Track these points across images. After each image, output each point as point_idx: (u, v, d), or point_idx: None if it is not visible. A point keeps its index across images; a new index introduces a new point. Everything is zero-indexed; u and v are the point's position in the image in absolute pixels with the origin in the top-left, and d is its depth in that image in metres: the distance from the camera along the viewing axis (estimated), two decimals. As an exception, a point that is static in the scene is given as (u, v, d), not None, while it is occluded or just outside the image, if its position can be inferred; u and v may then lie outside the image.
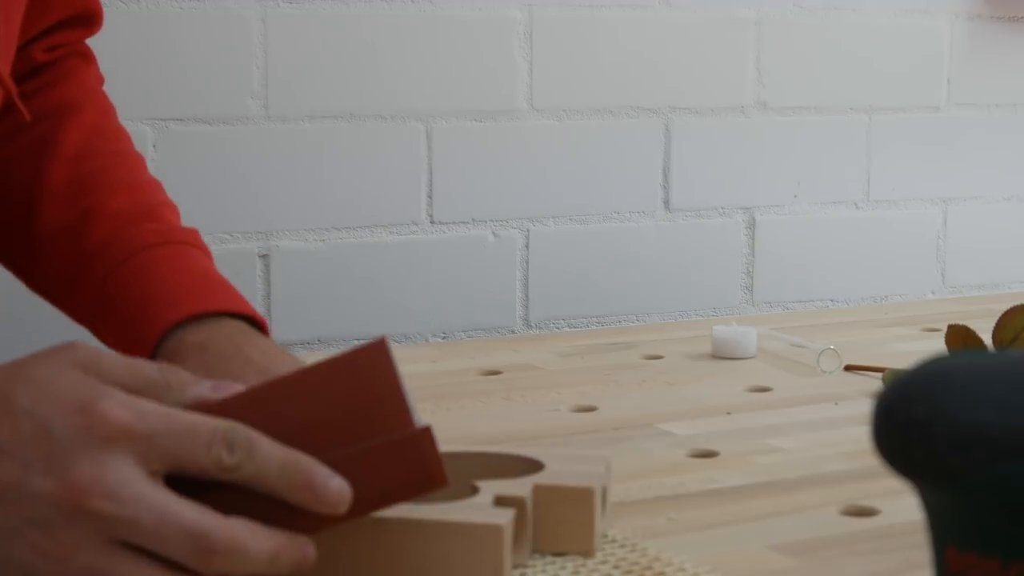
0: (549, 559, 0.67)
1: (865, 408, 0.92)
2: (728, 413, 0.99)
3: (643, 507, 0.76)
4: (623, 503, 0.76)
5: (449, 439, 0.78)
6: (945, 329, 1.00)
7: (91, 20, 0.94)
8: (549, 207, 1.44)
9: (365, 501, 0.59)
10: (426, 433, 0.59)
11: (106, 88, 1.00)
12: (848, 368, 1.13)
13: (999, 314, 0.99)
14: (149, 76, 1.26)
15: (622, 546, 0.69)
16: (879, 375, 1.09)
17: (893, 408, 0.47)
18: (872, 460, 0.52)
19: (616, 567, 0.66)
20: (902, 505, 0.74)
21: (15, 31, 0.84)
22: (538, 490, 0.67)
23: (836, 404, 1.02)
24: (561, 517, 0.67)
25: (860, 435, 0.89)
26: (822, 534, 0.73)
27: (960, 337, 0.99)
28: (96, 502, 0.54)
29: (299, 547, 0.57)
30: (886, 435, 0.48)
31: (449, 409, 0.99)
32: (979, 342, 0.99)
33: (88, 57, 0.96)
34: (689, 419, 0.97)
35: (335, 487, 0.57)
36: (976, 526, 0.46)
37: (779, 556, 0.69)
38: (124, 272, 0.82)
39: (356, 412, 0.59)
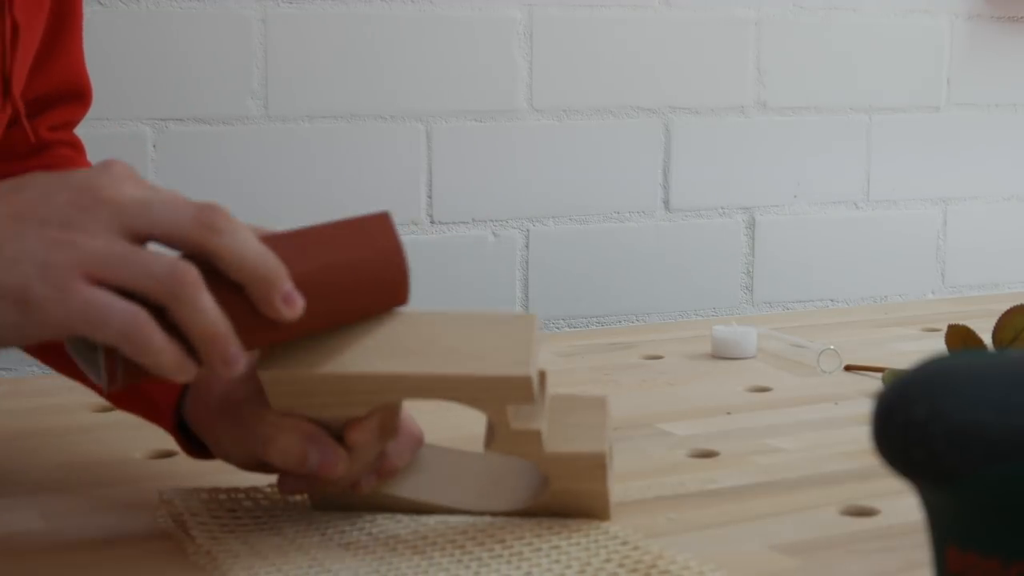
0: (554, 557, 0.67)
1: (865, 408, 0.92)
2: (728, 413, 0.99)
3: (643, 507, 0.76)
4: (623, 503, 0.76)
5: (449, 439, 0.79)
6: (945, 329, 1.00)
7: (84, 98, 0.99)
8: (549, 207, 1.44)
9: (333, 278, 0.64)
10: (384, 216, 0.66)
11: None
12: (848, 368, 1.13)
13: (999, 314, 0.99)
14: (149, 76, 1.26)
15: (624, 543, 0.69)
16: (879, 375, 1.10)
17: (893, 408, 0.47)
18: (872, 460, 0.52)
19: (621, 565, 0.66)
20: (902, 505, 0.74)
21: (29, 59, 0.87)
22: (554, 399, 0.73)
23: (836, 404, 1.02)
24: (575, 420, 0.72)
25: (860, 435, 0.89)
26: (822, 534, 0.73)
27: (960, 337, 0.99)
28: (109, 194, 0.60)
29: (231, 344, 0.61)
30: (886, 435, 0.48)
31: (449, 408, 0.99)
32: (979, 342, 0.99)
33: (79, 148, 1.00)
34: (689, 419, 0.97)
35: (296, 298, 0.62)
36: (976, 526, 0.46)
37: (779, 556, 0.69)
38: None
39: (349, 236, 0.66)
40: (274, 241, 0.63)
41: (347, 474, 0.70)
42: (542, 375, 0.71)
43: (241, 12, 1.29)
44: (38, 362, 0.92)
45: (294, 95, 1.32)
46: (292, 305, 0.62)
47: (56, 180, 0.61)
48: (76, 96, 0.97)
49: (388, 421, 0.70)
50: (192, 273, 0.59)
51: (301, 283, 0.62)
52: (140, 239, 0.60)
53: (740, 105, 1.51)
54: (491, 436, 0.70)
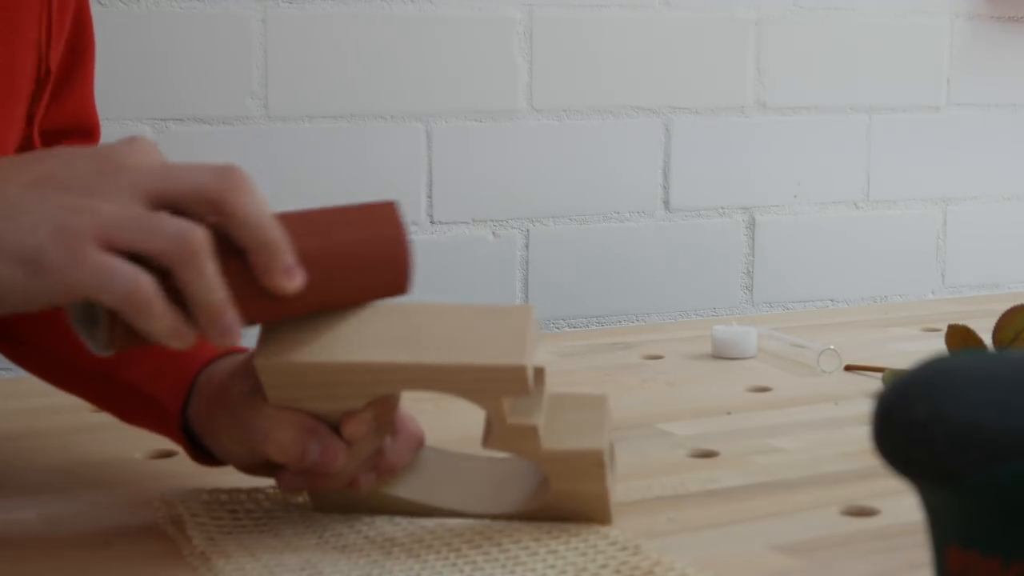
0: (550, 562, 0.67)
1: (865, 408, 0.92)
2: (728, 413, 0.99)
3: (643, 507, 0.76)
4: (623, 503, 0.76)
5: (449, 439, 0.78)
6: (945, 329, 1.00)
7: (92, 135, 1.00)
8: (549, 207, 1.44)
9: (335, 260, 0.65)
10: (390, 204, 0.67)
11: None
12: (848, 368, 1.13)
13: (999, 314, 0.99)
14: (149, 76, 1.26)
15: (623, 548, 0.69)
16: (879, 375, 1.09)
17: (893, 408, 0.47)
18: (872, 460, 0.52)
19: (617, 572, 0.65)
20: (902, 505, 0.74)
21: (47, 97, 0.89)
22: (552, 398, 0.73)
23: (836, 404, 1.02)
24: (574, 418, 0.72)
25: (860, 435, 0.89)
26: (822, 534, 0.73)
27: (960, 337, 0.99)
28: (131, 160, 0.61)
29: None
30: (886, 435, 0.48)
31: (448, 409, 0.99)
32: (979, 342, 0.99)
33: None
34: (689, 419, 0.97)
35: (296, 273, 0.62)
36: (976, 526, 0.46)
37: (779, 556, 0.69)
38: None
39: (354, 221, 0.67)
40: (281, 218, 0.64)
41: (346, 470, 0.70)
42: (540, 371, 0.71)
43: (241, 12, 1.29)
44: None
45: (294, 95, 1.32)
46: (292, 278, 0.62)
47: (79, 151, 0.63)
48: (85, 133, 0.98)
49: (384, 415, 0.70)
50: (200, 237, 0.59)
51: (303, 259, 0.63)
52: (160, 202, 0.61)
53: (740, 105, 1.51)
54: (488, 432, 0.70)
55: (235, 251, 0.61)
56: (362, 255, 0.66)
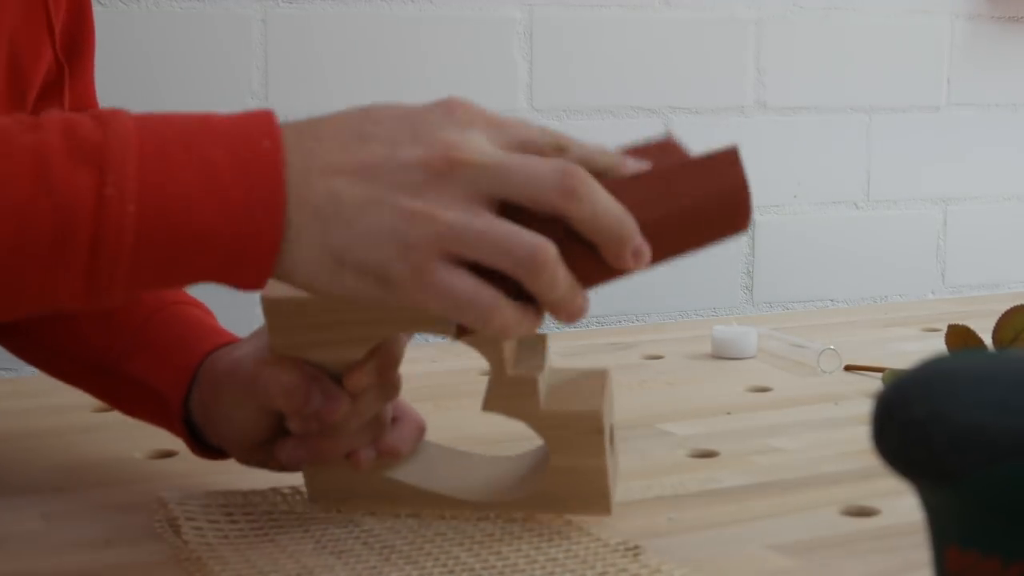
0: (549, 570, 0.67)
1: (865, 408, 0.92)
2: (728, 413, 0.99)
3: (643, 507, 0.76)
4: (623, 503, 0.76)
5: (449, 439, 0.79)
6: (945, 329, 1.00)
7: None
8: (549, 207, 1.44)
9: (677, 218, 0.63)
10: (732, 151, 0.63)
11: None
12: (848, 368, 1.13)
13: (999, 314, 0.99)
14: (149, 76, 1.26)
15: (623, 555, 0.68)
16: (879, 375, 1.09)
17: (893, 408, 0.47)
18: (872, 460, 0.51)
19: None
20: (902, 505, 0.74)
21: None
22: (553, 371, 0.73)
23: (836, 404, 1.02)
24: (574, 388, 0.72)
25: (860, 435, 0.89)
26: (822, 534, 0.73)
27: (960, 337, 0.99)
28: (464, 155, 0.58)
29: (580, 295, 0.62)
30: (886, 435, 0.48)
31: (449, 409, 0.99)
32: (979, 342, 0.99)
33: None
34: (689, 419, 0.97)
35: (645, 250, 0.61)
36: (976, 526, 0.46)
37: (779, 556, 0.69)
38: (157, 319, 0.83)
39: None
40: (621, 188, 0.62)
41: (348, 430, 0.70)
42: (543, 337, 0.72)
43: (241, 12, 1.29)
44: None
45: (294, 95, 1.32)
46: (641, 259, 0.61)
47: (401, 127, 0.60)
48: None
49: (386, 370, 0.70)
50: (550, 253, 0.59)
51: (650, 231, 0.62)
52: (497, 205, 0.60)
53: (740, 105, 1.51)
54: (488, 391, 0.70)
55: (578, 236, 0.61)
56: (706, 213, 0.64)
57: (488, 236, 0.58)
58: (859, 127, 1.58)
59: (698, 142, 0.68)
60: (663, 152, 0.65)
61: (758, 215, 1.53)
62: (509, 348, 0.70)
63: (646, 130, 1.47)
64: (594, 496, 0.72)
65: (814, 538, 0.72)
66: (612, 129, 1.45)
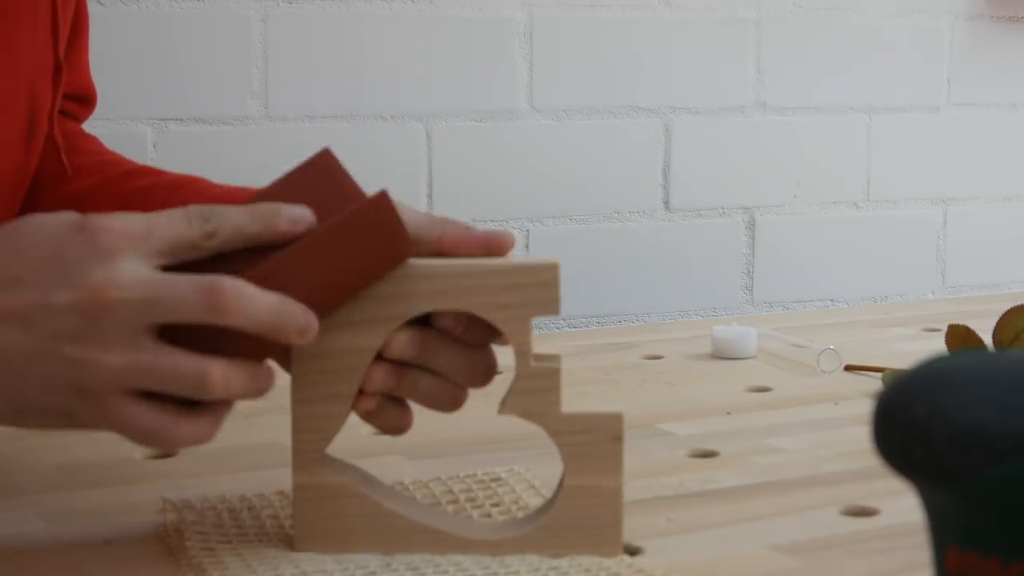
0: None
1: (865, 408, 0.92)
2: (728, 413, 0.99)
3: (643, 507, 0.76)
4: (623, 503, 0.76)
5: (449, 439, 0.78)
6: (945, 329, 1.00)
7: (90, 102, 1.01)
8: (549, 207, 1.44)
9: (342, 273, 0.65)
10: (383, 196, 0.65)
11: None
12: (848, 368, 1.13)
13: (999, 314, 0.99)
14: (149, 76, 1.26)
15: (629, 565, 0.67)
16: (879, 375, 1.09)
17: (893, 408, 0.47)
18: (872, 460, 0.51)
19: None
20: (902, 505, 0.74)
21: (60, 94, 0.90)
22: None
23: (836, 404, 1.02)
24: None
25: (860, 435, 0.89)
26: (822, 534, 0.73)
27: (960, 337, 0.99)
28: (115, 295, 0.59)
29: (301, 315, 0.62)
30: (886, 435, 0.48)
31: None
32: (979, 342, 0.99)
33: (88, 136, 1.01)
34: (689, 419, 0.97)
35: (310, 326, 0.62)
36: (976, 526, 0.46)
37: (779, 556, 0.69)
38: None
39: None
40: (280, 266, 0.63)
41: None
42: (555, 356, 0.71)
43: (241, 12, 1.29)
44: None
45: (294, 95, 1.32)
46: (307, 334, 0.62)
47: (49, 269, 0.60)
48: (83, 100, 0.99)
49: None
50: (215, 375, 0.60)
51: (315, 297, 0.63)
52: (155, 329, 0.61)
53: (740, 105, 1.51)
54: (508, 394, 0.69)
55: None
56: (370, 261, 0.66)
57: (154, 372, 0.60)
58: (859, 127, 1.58)
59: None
60: (323, 174, 0.69)
61: (759, 215, 1.53)
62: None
63: (646, 130, 1.47)
64: (604, 531, 0.68)
65: (814, 538, 0.72)
66: (612, 129, 1.45)
